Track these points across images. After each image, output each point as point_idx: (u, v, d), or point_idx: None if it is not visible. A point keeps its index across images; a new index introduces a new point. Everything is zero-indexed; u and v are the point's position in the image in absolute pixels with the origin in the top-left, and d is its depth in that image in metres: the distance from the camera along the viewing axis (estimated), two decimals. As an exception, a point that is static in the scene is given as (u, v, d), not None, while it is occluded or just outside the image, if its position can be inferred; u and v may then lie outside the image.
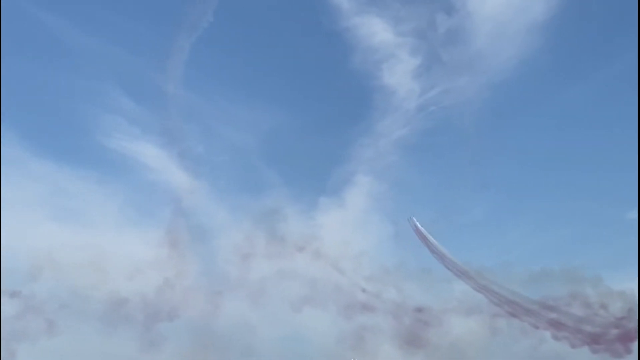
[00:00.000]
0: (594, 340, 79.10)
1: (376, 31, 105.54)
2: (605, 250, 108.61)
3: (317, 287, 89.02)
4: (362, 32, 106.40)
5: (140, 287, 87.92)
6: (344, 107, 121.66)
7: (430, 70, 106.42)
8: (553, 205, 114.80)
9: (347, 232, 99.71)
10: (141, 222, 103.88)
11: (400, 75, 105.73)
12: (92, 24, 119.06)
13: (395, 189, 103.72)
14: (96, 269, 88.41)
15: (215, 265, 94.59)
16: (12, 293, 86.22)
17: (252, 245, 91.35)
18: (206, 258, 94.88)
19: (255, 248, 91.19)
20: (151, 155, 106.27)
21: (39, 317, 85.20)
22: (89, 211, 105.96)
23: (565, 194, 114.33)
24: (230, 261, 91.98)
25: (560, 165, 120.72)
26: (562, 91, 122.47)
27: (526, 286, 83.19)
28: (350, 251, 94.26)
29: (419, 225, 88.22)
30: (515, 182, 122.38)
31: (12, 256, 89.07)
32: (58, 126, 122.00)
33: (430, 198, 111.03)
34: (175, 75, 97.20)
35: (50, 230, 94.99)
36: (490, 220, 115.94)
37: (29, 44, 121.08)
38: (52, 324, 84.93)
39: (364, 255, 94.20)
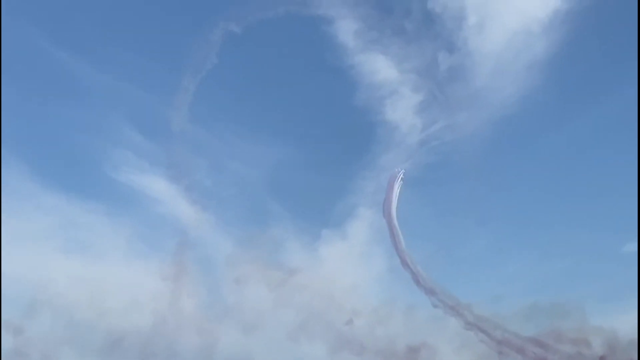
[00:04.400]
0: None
1: (380, 68, 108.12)
2: (596, 283, 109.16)
3: (314, 320, 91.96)
4: (366, 69, 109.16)
5: (142, 319, 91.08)
6: (347, 142, 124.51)
7: (432, 107, 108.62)
8: (552, 238, 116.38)
9: (348, 264, 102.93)
10: (148, 255, 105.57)
11: (402, 111, 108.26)
12: (103, 61, 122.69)
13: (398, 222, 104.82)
14: (100, 301, 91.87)
15: (220, 296, 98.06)
16: (12, 326, 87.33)
17: (255, 276, 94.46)
18: (211, 289, 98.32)
19: (258, 279, 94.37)
20: (159, 188, 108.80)
21: (38, 352, 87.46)
22: (98, 243, 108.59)
23: (564, 227, 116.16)
24: (234, 292, 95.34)
25: (560, 198, 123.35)
26: (561, 127, 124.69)
27: (516, 321, 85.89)
28: (349, 284, 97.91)
29: (398, 180, 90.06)
30: (515, 216, 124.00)
31: (19, 288, 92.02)
32: (68, 160, 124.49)
33: (430, 231, 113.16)
34: (182, 111, 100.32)
35: (59, 262, 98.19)
36: (489, 254, 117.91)
37: (42, 79, 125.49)
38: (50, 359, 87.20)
39: (361, 289, 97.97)
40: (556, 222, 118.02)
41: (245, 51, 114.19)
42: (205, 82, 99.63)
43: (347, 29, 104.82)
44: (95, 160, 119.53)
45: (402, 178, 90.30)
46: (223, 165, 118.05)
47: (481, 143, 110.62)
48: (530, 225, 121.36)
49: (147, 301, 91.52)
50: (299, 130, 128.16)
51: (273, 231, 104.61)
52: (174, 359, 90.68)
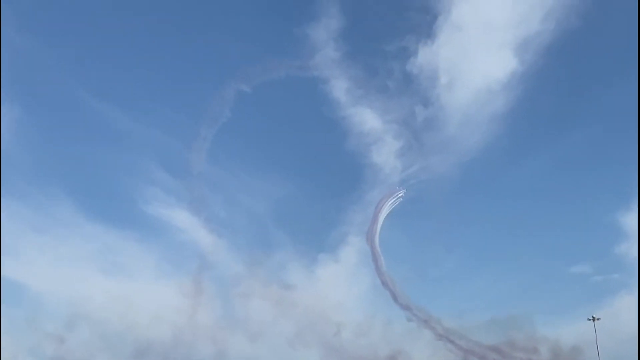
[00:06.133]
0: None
1: (367, 119, 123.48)
2: (545, 299, 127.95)
3: (308, 330, 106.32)
4: (356, 120, 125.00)
5: (165, 330, 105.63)
6: (340, 181, 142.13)
7: (410, 152, 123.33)
8: (508, 262, 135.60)
9: (339, 283, 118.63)
10: (172, 275, 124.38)
11: (385, 155, 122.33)
12: (136, 112, 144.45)
13: (380, 248, 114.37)
14: (130, 315, 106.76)
15: (231, 309, 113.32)
16: (55, 336, 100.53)
17: (261, 293, 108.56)
18: (224, 303, 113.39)
19: (263, 295, 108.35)
20: (182, 219, 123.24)
21: (76, 359, 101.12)
22: (130, 265, 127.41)
23: (519, 252, 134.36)
24: (243, 306, 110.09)
25: (516, 228, 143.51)
26: (518, 169, 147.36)
27: (478, 332, 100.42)
28: (338, 300, 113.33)
29: (388, 204, 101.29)
30: (478, 244, 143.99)
31: (62, 303, 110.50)
32: (107, 195, 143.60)
33: (408, 255, 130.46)
34: (202, 155, 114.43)
35: (97, 281, 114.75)
36: (456, 276, 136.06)
37: (85, 127, 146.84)
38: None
39: (348, 304, 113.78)
40: (512, 248, 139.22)
41: (254, 106, 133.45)
42: (221, 131, 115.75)
43: (339, 87, 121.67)
44: (129, 196, 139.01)
45: (401, 196, 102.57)
46: (235, 200, 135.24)
47: (451, 182, 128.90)
48: (490, 251, 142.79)
49: (170, 314, 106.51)
50: (300, 170, 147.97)
51: (277, 255, 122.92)
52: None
